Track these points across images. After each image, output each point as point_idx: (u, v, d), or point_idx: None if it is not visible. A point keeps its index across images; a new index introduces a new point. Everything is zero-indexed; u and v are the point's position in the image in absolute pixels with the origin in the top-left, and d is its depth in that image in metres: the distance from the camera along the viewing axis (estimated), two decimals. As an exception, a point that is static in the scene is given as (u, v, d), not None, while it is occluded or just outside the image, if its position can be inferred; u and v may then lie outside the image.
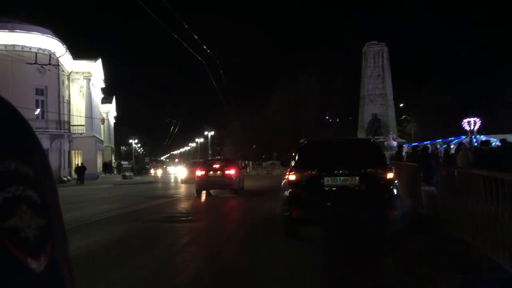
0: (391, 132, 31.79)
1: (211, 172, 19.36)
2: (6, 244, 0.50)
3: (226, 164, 20.36)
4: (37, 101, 34.84)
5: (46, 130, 33.10)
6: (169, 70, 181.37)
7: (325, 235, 8.85)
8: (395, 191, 8.20)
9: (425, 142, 31.81)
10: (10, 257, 0.51)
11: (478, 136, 34.07)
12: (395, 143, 29.57)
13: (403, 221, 8.43)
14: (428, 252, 7.03)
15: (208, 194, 19.25)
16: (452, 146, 24.92)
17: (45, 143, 32.15)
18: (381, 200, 7.95)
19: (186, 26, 21.04)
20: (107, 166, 53.61)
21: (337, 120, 50.45)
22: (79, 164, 36.64)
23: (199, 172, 19.59)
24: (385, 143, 29.55)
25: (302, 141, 9.44)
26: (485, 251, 5.76)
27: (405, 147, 25.12)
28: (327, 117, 54.73)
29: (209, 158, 40.13)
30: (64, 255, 0.61)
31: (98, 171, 47.33)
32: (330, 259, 6.99)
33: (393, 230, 8.11)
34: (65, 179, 36.25)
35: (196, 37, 22.91)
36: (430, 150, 17.95)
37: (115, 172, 53.76)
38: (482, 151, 13.77)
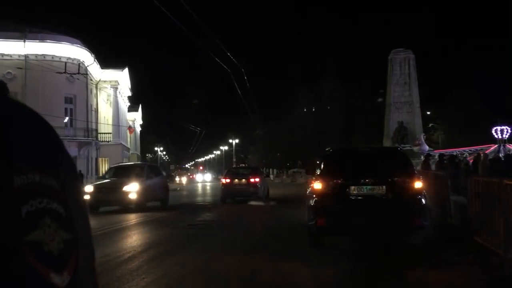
0: (424, 136, 31.10)
1: (236, 180, 19.47)
2: (28, 258, 0.49)
3: (251, 172, 20.45)
4: (66, 109, 35.66)
5: (74, 138, 33.80)
6: (194, 78, 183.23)
7: (350, 244, 8.72)
8: (423, 200, 8.03)
9: (453, 150, 31.23)
10: (32, 271, 0.49)
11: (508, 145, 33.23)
12: (427, 148, 29.18)
13: (431, 232, 8.23)
14: (458, 264, 6.84)
15: (233, 202, 19.28)
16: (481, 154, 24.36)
17: (73, 150, 32.85)
18: (408, 210, 7.79)
19: (212, 35, 21.26)
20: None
21: (362, 128, 50.02)
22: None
23: (224, 180, 19.76)
24: (415, 148, 29.03)
25: (327, 149, 9.38)
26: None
27: (433, 154, 24.70)
28: (352, 125, 54.39)
29: (233, 166, 40.21)
30: (90, 270, 0.60)
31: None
32: (356, 270, 6.87)
33: (420, 241, 7.93)
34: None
35: (222, 45, 23.10)
36: (458, 158, 17.60)
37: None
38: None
